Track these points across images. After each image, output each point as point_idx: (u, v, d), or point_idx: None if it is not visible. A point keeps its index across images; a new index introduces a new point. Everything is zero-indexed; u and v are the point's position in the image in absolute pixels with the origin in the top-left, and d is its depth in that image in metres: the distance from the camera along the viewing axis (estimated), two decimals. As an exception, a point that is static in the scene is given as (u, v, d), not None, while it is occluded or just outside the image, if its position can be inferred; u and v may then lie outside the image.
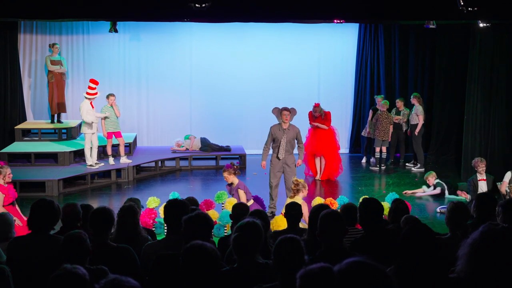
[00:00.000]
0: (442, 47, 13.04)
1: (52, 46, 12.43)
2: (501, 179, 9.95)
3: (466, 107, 11.26)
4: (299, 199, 7.31)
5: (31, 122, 13.12)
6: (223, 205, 8.72)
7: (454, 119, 12.90)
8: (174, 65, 13.82)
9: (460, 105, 11.96)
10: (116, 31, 11.50)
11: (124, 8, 9.09)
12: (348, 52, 14.03)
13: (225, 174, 8.31)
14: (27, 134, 12.36)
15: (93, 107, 11.02)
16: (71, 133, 12.29)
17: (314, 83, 14.11)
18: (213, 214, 8.14)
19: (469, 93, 11.16)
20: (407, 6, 9.35)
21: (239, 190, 8.18)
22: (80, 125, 11.56)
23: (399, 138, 12.76)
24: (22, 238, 4.60)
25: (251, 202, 8.02)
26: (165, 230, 7.02)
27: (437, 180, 10.38)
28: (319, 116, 11.38)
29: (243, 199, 7.97)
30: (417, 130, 12.16)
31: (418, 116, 12.18)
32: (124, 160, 11.57)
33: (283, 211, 6.22)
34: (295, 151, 9.06)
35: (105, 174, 11.27)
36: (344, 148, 13.73)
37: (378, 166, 12.38)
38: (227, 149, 13.04)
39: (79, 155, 11.58)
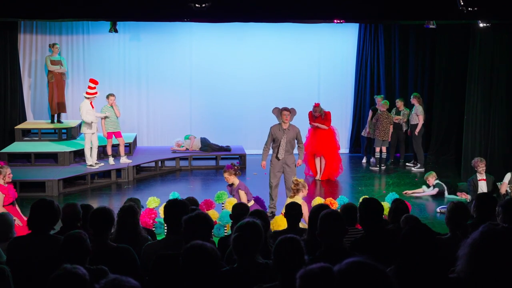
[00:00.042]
0: (442, 47, 13.04)
1: (52, 46, 12.43)
2: (501, 179, 9.95)
3: (466, 107, 11.26)
4: (299, 199, 7.31)
5: (31, 122, 13.12)
6: (223, 205, 8.72)
7: (454, 119, 12.90)
8: (174, 65, 13.82)
9: (460, 105, 11.96)
10: (116, 31, 11.50)
11: (124, 8, 9.09)
12: (348, 52, 14.03)
13: (226, 175, 8.31)
14: (27, 134, 12.36)
15: (93, 107, 11.03)
16: (71, 133, 12.29)
17: (314, 83, 14.11)
18: (213, 214, 8.14)
19: (469, 93, 11.16)
20: (407, 6, 9.35)
21: (239, 191, 8.18)
22: (80, 125, 11.56)
23: (399, 138, 12.76)
24: (22, 238, 4.60)
25: (251, 202, 8.02)
26: (165, 230, 7.01)
27: (437, 181, 10.38)
28: (319, 116, 11.38)
29: (243, 199, 7.97)
30: (417, 130, 12.16)
31: (418, 116, 12.18)
32: (124, 160, 11.57)
33: (283, 211, 6.22)
34: (295, 151, 9.06)
35: (105, 174, 11.27)
36: (344, 148, 13.73)
37: (378, 166, 12.38)
38: (227, 149, 13.04)
39: (79, 155, 11.58)
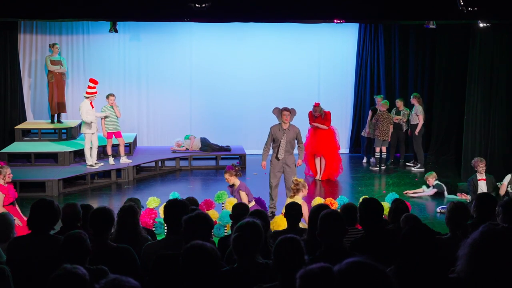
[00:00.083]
0: (442, 47, 13.04)
1: (52, 46, 12.43)
2: (501, 179, 9.96)
3: (466, 107, 11.26)
4: (299, 199, 7.31)
5: (31, 122, 13.12)
6: (223, 205, 8.72)
7: (454, 119, 12.90)
8: (174, 65, 13.82)
9: (460, 105, 11.96)
10: (116, 31, 11.50)
11: (124, 8, 9.09)
12: (348, 52, 14.03)
13: (227, 176, 8.31)
14: (27, 134, 12.36)
15: (93, 107, 11.02)
16: (71, 133, 12.30)
17: (314, 83, 14.11)
18: (213, 214, 8.14)
19: (469, 93, 11.16)
20: (407, 6, 9.35)
21: (240, 192, 8.17)
22: (80, 125, 11.56)
23: (399, 138, 12.76)
24: (22, 238, 4.60)
25: (252, 203, 8.01)
26: (165, 230, 7.02)
27: (436, 182, 10.37)
28: (319, 115, 11.38)
29: (244, 200, 7.96)
30: (417, 130, 12.17)
31: (418, 116, 12.18)
32: (124, 160, 11.57)
33: (283, 211, 6.22)
34: (295, 151, 9.06)
35: (105, 174, 11.27)
36: (344, 148, 13.73)
37: (378, 166, 12.38)
38: (227, 149, 13.04)
39: (79, 155, 11.58)
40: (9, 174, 7.83)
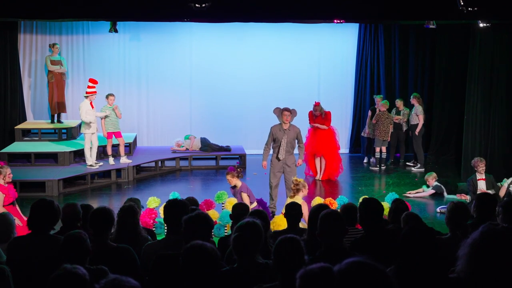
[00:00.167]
0: (442, 47, 13.04)
1: (52, 46, 12.43)
2: (501, 179, 9.96)
3: (466, 107, 11.26)
4: (299, 198, 7.31)
5: (31, 122, 13.12)
6: (223, 205, 8.73)
7: (454, 119, 12.90)
8: (174, 65, 13.82)
9: (460, 105, 11.96)
10: (116, 31, 11.50)
11: (124, 8, 9.09)
12: (348, 52, 14.03)
13: (228, 177, 8.30)
14: (27, 134, 12.36)
15: (93, 107, 11.02)
16: (71, 133, 12.30)
17: (314, 83, 14.11)
18: (213, 214, 8.14)
19: (469, 93, 11.16)
20: (407, 6, 9.35)
21: (242, 193, 8.16)
22: (80, 125, 11.56)
23: (399, 138, 12.76)
24: (22, 238, 4.60)
25: (254, 204, 8.00)
26: (165, 230, 7.02)
27: (436, 183, 10.36)
28: (319, 115, 11.38)
29: (246, 202, 7.95)
30: (417, 130, 12.17)
31: (418, 116, 12.18)
32: (124, 160, 11.57)
33: (283, 211, 6.22)
34: (296, 151, 9.07)
35: (105, 174, 11.27)
36: (344, 148, 13.73)
37: (378, 166, 12.38)
38: (227, 149, 13.04)
39: (79, 155, 11.58)
40: (9, 174, 7.83)
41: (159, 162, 12.24)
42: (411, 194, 10.32)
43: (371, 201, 4.74)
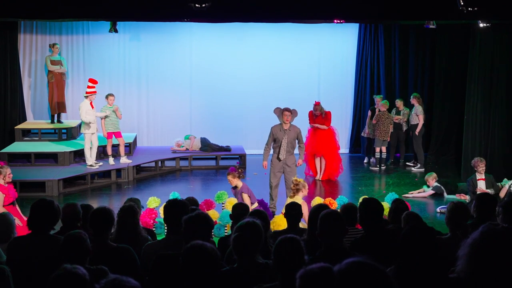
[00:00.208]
0: (442, 47, 13.04)
1: (52, 46, 12.43)
2: (501, 179, 9.96)
3: (466, 107, 11.26)
4: (299, 198, 7.31)
5: (31, 122, 13.12)
6: (223, 205, 8.73)
7: (454, 119, 12.90)
8: (174, 65, 13.82)
9: (460, 105, 11.96)
10: (116, 31, 11.50)
11: (124, 8, 9.09)
12: (348, 52, 14.03)
13: (229, 178, 8.30)
14: (27, 134, 12.36)
15: (92, 107, 11.02)
16: (71, 133, 12.30)
17: (314, 83, 14.11)
18: (213, 214, 8.14)
19: (469, 93, 11.16)
20: (407, 6, 9.35)
21: (243, 194, 8.15)
22: (80, 125, 11.56)
23: (399, 138, 12.76)
24: (22, 238, 4.60)
25: (255, 205, 7.99)
26: (165, 230, 7.02)
27: (436, 184, 10.35)
28: (319, 114, 11.39)
29: (247, 202, 7.95)
30: (418, 130, 12.17)
31: (418, 116, 12.18)
32: (124, 160, 11.57)
33: (283, 211, 6.22)
34: (296, 151, 9.07)
35: (105, 174, 11.27)
36: (344, 148, 13.73)
37: (378, 166, 12.38)
38: (227, 149, 13.04)
39: (79, 155, 11.58)
40: (9, 174, 7.83)
41: (159, 162, 12.24)
42: (413, 194, 10.31)
43: (371, 201, 4.74)
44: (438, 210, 9.37)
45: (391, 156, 12.82)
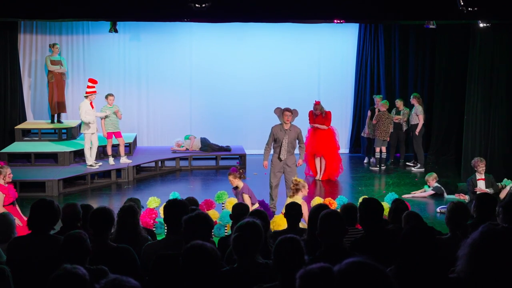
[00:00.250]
0: (442, 47, 13.03)
1: (52, 46, 12.43)
2: (501, 179, 9.96)
3: (466, 107, 11.26)
4: (298, 198, 7.31)
5: (31, 122, 13.12)
6: (223, 205, 8.73)
7: (454, 119, 12.90)
8: (174, 65, 13.82)
9: (460, 105, 11.96)
10: (116, 31, 11.49)
11: (124, 8, 9.09)
12: (348, 52, 14.03)
13: (230, 178, 8.29)
14: (27, 134, 12.36)
15: (92, 107, 11.02)
16: (71, 133, 12.30)
17: (314, 83, 14.11)
18: (213, 214, 8.14)
19: (469, 93, 11.16)
20: (407, 6, 9.35)
21: (243, 194, 8.14)
22: (80, 125, 11.56)
23: (399, 138, 12.76)
24: (22, 238, 4.60)
25: (255, 206, 7.99)
26: (165, 230, 7.02)
27: (436, 184, 10.34)
28: (319, 114, 11.39)
29: (247, 203, 7.94)
30: (418, 130, 12.17)
31: (418, 116, 12.18)
32: (124, 160, 11.57)
33: (283, 211, 6.22)
34: (296, 151, 9.07)
35: (105, 174, 11.27)
36: (344, 148, 13.73)
37: (378, 166, 12.38)
38: (227, 149, 13.04)
39: (79, 155, 11.58)
40: (9, 174, 7.83)
41: (159, 162, 12.24)
42: (416, 194, 10.30)
43: (371, 201, 4.74)
44: (438, 210, 9.37)
45: (391, 156, 12.82)
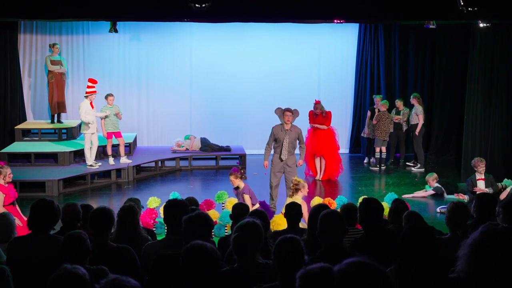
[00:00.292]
0: (442, 47, 13.04)
1: (52, 46, 12.44)
2: (501, 179, 9.96)
3: (466, 107, 11.26)
4: (298, 198, 7.31)
5: (31, 122, 13.12)
6: (223, 205, 8.73)
7: (454, 119, 12.90)
8: (174, 65, 13.82)
9: (460, 105, 11.96)
10: (116, 31, 11.49)
11: (124, 8, 9.09)
12: (348, 52, 14.03)
13: (232, 178, 8.29)
14: (27, 134, 12.36)
15: (93, 107, 11.02)
16: (71, 133, 12.30)
17: (314, 83, 14.11)
18: (213, 214, 8.14)
19: (469, 93, 11.16)
20: (407, 6, 9.35)
21: (244, 195, 8.14)
22: (80, 125, 11.56)
23: (399, 138, 12.76)
24: (22, 238, 4.60)
25: (256, 206, 7.98)
26: (165, 230, 7.02)
27: (437, 184, 10.34)
28: (320, 113, 11.39)
29: (248, 203, 7.93)
30: (418, 130, 12.17)
31: (418, 116, 12.18)
32: (124, 160, 11.57)
33: (283, 210, 6.22)
34: (296, 151, 9.07)
35: (105, 174, 11.27)
36: (344, 148, 13.74)
37: (378, 166, 12.38)
38: (227, 149, 13.04)
39: (79, 155, 11.58)
40: (9, 174, 7.83)
41: (159, 162, 12.24)
42: (418, 194, 10.30)
43: (371, 201, 4.74)
44: (438, 210, 9.37)
45: (391, 156, 12.82)
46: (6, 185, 7.70)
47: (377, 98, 12.66)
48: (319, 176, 11.53)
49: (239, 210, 5.46)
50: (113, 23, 11.25)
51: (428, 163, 12.79)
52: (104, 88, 12.37)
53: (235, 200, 8.11)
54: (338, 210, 6.07)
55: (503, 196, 9.48)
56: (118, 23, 11.48)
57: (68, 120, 12.97)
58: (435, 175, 10.47)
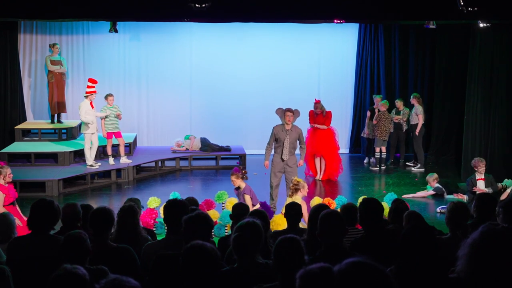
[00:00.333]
0: (442, 47, 13.03)
1: (52, 46, 12.44)
2: (501, 179, 9.95)
3: (466, 107, 11.26)
4: (298, 198, 7.31)
5: (31, 122, 13.12)
6: (223, 205, 8.72)
7: (454, 119, 12.90)
8: (174, 65, 13.82)
9: (460, 105, 11.96)
10: (116, 31, 11.49)
11: (124, 8, 9.09)
12: (348, 52, 14.03)
13: (233, 178, 8.28)
14: (27, 134, 12.36)
15: (93, 107, 11.02)
16: (71, 133, 12.30)
17: (314, 83, 14.11)
18: (213, 214, 8.14)
19: (469, 93, 11.16)
20: (407, 6, 9.35)
21: (244, 195, 8.13)
22: (80, 125, 11.57)
23: (399, 138, 12.76)
24: (22, 238, 4.60)
25: (257, 207, 7.98)
26: (166, 230, 7.01)
27: (437, 185, 10.33)
28: (320, 113, 11.39)
29: (248, 204, 7.93)
30: (417, 130, 12.17)
31: (418, 116, 12.18)
32: (124, 160, 11.57)
33: (283, 210, 6.22)
34: (296, 151, 9.07)
35: (105, 174, 11.27)
36: (344, 148, 13.74)
37: (378, 166, 12.38)
38: (227, 149, 13.04)
39: (79, 155, 11.58)
40: (9, 174, 7.83)
41: (159, 162, 12.24)
42: (419, 194, 10.29)
43: (371, 201, 4.74)
44: (438, 210, 9.36)
45: (391, 156, 12.82)
46: (6, 185, 7.70)
47: (377, 98, 12.66)
48: (319, 176, 11.53)
49: (239, 210, 5.46)
50: (113, 23, 11.25)
51: (428, 163, 12.79)
52: (104, 88, 12.37)
53: (235, 200, 8.10)
54: (338, 210, 6.08)
55: (503, 197, 9.47)
56: (118, 23, 11.48)
57: (68, 120, 12.97)
58: (435, 175, 10.47)
